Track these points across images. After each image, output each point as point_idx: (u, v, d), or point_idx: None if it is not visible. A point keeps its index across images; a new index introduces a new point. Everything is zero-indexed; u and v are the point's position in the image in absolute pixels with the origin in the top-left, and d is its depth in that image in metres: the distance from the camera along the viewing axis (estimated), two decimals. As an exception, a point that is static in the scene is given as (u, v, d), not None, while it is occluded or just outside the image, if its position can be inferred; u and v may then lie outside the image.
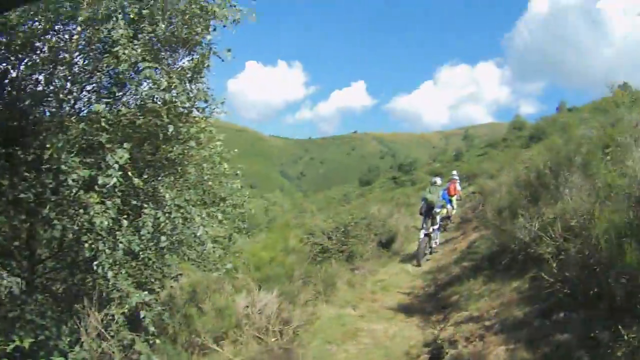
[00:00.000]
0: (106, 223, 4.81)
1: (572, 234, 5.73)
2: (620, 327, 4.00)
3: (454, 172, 18.79)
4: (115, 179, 4.77)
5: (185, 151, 5.88)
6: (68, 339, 5.10)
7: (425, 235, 12.52)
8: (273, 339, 7.08)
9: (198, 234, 5.69)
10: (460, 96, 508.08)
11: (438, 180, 13.98)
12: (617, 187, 4.98)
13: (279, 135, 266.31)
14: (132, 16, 5.31)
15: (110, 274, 5.01)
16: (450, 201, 16.23)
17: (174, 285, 7.77)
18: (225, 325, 7.28)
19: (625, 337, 3.86)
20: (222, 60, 5.96)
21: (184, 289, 8.55)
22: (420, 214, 13.28)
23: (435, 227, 13.27)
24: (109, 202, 4.98)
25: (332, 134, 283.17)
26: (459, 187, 17.67)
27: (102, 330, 5.04)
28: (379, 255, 13.30)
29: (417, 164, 57.42)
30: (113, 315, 5.12)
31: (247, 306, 7.30)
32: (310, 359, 6.69)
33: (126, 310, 5.13)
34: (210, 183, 6.72)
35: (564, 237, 5.81)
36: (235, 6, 5.78)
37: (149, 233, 5.33)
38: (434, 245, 13.44)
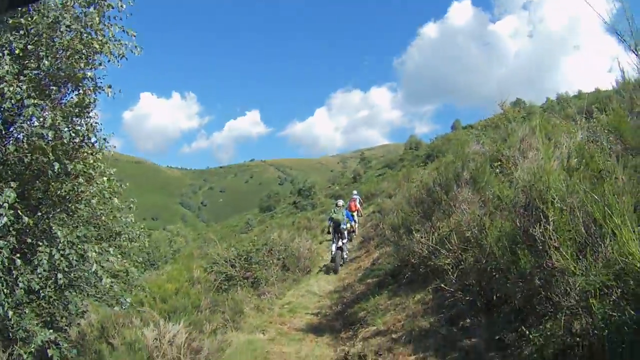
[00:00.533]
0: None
1: (468, 244, 6.01)
2: (524, 327, 4.25)
3: (355, 192, 21.33)
4: (5, 219, 4.69)
5: (75, 187, 5.80)
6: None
7: (338, 248, 13.99)
8: (185, 370, 6.92)
9: (92, 270, 5.67)
10: (354, 120, 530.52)
11: (340, 202, 16.20)
12: (506, 197, 5.24)
13: (176, 166, 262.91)
14: (17, 52, 5.19)
15: (10, 313, 4.89)
16: (352, 216, 17.43)
17: (82, 322, 7.61)
18: (136, 359, 7.09)
19: (530, 337, 4.08)
20: (108, 96, 5.95)
21: (94, 325, 8.34)
22: (328, 232, 15.78)
23: (345, 240, 14.58)
24: (1, 242, 4.87)
25: (229, 162, 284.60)
26: (358, 205, 20.07)
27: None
28: (283, 278, 13.05)
29: (316, 187, 57.54)
30: (20, 354, 5.07)
31: (156, 338, 7.05)
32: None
33: (33, 350, 5.07)
34: (103, 218, 6.77)
35: (461, 248, 6.11)
36: (119, 41, 5.85)
37: (45, 271, 5.24)
38: (345, 257, 14.63)
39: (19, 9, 4.95)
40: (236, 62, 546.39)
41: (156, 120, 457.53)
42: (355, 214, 19.03)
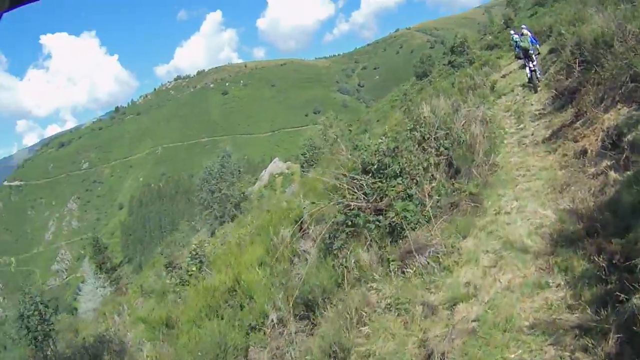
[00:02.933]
0: None
1: None
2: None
3: (523, 25, 19.59)
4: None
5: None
6: None
7: (532, 71, 15.03)
8: None
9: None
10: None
11: (525, 30, 17.06)
12: None
13: (324, 56, 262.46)
14: None
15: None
16: (537, 40, 17.38)
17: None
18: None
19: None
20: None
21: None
22: (518, 58, 18.07)
23: (535, 62, 15.31)
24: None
25: (375, 38, 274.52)
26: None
27: None
28: (450, 202, 7.81)
29: (468, 41, 51.86)
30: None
31: None
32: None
33: None
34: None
35: None
36: None
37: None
38: (539, 76, 15.10)
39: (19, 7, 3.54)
40: None
41: (291, 19, 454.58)
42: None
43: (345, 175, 8.30)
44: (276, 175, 43.39)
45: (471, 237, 6.82)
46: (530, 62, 15.28)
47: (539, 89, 14.58)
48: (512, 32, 22.50)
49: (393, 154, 8.04)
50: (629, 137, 6.82)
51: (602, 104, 8.38)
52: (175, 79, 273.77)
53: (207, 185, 32.04)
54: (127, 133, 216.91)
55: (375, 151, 8.23)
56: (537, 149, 9.63)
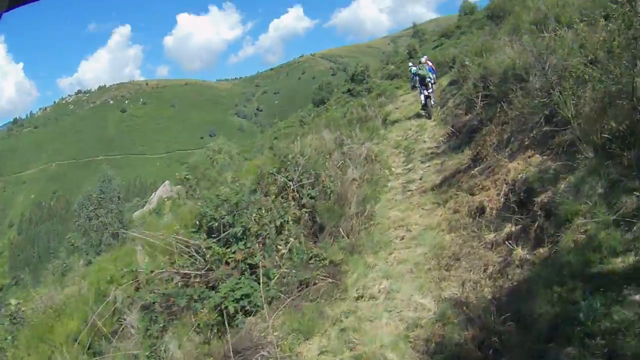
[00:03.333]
0: None
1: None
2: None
3: (424, 56, 18.84)
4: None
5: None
6: None
7: (426, 97, 15.05)
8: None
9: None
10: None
11: (423, 59, 17.07)
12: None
13: (226, 78, 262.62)
14: None
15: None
16: (434, 70, 17.33)
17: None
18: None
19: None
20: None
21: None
22: (414, 87, 17.35)
23: (431, 90, 15.43)
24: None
25: (279, 63, 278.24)
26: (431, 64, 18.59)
27: None
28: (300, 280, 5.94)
29: (369, 70, 52.57)
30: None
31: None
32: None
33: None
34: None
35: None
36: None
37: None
38: (433, 103, 15.39)
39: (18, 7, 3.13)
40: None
41: (198, 39, 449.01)
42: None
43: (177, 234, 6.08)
44: (165, 199, 41.95)
45: (317, 336, 4.88)
46: (426, 90, 15.36)
47: (432, 116, 14.64)
48: (410, 63, 21.78)
49: (236, 211, 5.94)
50: (543, 197, 5.13)
51: (508, 149, 6.84)
52: (76, 93, 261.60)
53: (85, 211, 29.70)
54: (22, 147, 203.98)
55: (219, 205, 6.18)
56: (424, 198, 7.92)
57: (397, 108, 19.60)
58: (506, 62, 8.74)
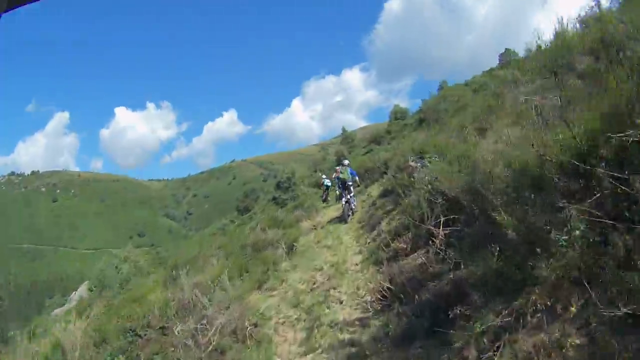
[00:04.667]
0: None
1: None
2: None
3: (345, 161, 18.55)
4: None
5: None
6: None
7: (346, 202, 14.74)
8: None
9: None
10: (331, 106, 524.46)
11: (345, 162, 17.57)
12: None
13: (158, 178, 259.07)
14: None
15: None
16: (356, 173, 16.94)
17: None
18: None
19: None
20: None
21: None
22: (324, 200, 19.34)
23: (352, 194, 15.09)
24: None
25: (210, 166, 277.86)
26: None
27: None
28: None
29: (295, 177, 49.77)
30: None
31: None
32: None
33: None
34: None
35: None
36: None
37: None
38: (353, 207, 14.88)
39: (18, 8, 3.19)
40: (209, 63, 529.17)
41: (134, 134, 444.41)
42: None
43: None
44: (85, 300, 37.61)
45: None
46: (348, 194, 15.04)
47: (349, 219, 14.17)
48: (322, 175, 23.81)
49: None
50: None
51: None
52: (9, 174, 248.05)
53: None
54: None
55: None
56: None
57: (313, 227, 15.52)
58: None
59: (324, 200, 20.81)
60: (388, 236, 7.47)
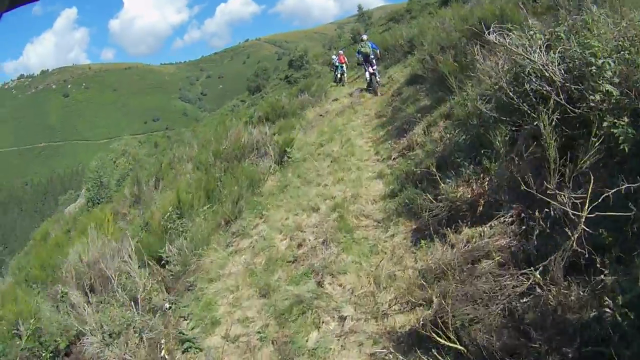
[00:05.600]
0: None
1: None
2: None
3: (365, 36, 17.00)
4: None
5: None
6: None
7: (371, 74, 14.31)
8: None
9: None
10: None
11: (364, 36, 16.61)
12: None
13: (170, 62, 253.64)
14: None
15: None
16: (377, 46, 16.01)
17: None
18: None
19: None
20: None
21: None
22: (359, 64, 16.25)
23: (375, 67, 14.41)
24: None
25: (224, 47, 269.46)
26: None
27: None
28: None
29: (308, 55, 46.64)
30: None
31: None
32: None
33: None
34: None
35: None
36: None
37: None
38: (378, 80, 14.33)
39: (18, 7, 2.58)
40: None
41: (144, 22, 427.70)
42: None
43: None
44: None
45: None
46: (371, 67, 14.51)
47: (377, 89, 13.85)
48: (333, 55, 22.27)
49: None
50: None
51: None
52: (19, 78, 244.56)
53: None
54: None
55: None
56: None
57: (320, 116, 13.13)
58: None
59: (337, 81, 19.29)
60: (432, 166, 4.13)
